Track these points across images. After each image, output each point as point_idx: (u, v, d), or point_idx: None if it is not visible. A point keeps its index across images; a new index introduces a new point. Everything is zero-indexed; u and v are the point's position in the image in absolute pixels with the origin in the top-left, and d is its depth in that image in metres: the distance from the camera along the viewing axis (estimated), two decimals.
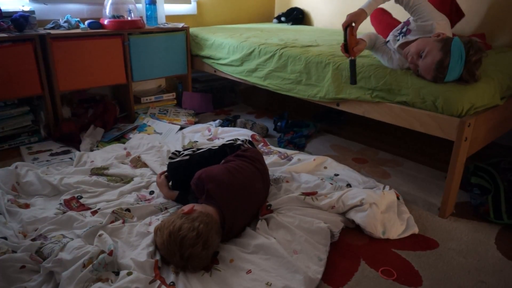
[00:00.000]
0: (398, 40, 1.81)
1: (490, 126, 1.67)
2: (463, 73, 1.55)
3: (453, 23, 2.08)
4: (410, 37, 1.75)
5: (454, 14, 2.12)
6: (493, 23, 2.37)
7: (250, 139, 2.21)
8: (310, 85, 2.08)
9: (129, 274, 1.17)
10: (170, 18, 3.02)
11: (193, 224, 1.22)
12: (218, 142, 2.13)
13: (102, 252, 1.23)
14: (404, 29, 1.81)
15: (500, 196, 1.65)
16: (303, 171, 1.88)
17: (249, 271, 1.24)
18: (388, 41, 1.88)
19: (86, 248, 1.24)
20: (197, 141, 2.22)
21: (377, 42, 1.90)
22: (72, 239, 1.34)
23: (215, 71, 2.77)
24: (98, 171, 1.84)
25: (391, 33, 1.90)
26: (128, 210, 1.51)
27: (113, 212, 1.47)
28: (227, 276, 1.24)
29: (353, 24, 1.70)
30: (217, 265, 1.28)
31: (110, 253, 1.23)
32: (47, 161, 2.03)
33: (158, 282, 1.17)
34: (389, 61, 1.84)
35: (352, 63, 1.74)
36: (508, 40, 2.33)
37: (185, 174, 1.56)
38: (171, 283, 1.19)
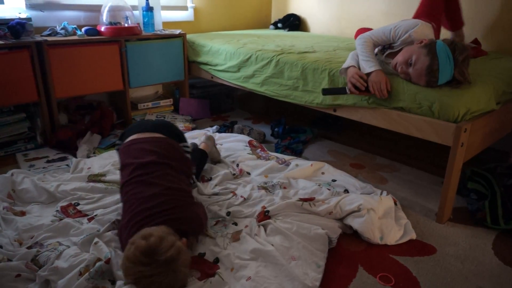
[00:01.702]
0: (384, 52, 1.84)
1: (486, 132, 1.68)
2: (455, 74, 1.57)
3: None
4: (395, 48, 1.80)
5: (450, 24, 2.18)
6: (488, 29, 2.39)
7: (247, 145, 2.22)
8: (307, 91, 2.09)
9: (126, 283, 1.16)
10: (167, 24, 3.03)
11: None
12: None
13: (99, 260, 1.22)
14: (387, 45, 1.85)
15: (496, 201, 1.65)
16: (301, 176, 1.89)
17: (248, 278, 1.23)
18: (376, 54, 1.90)
19: (82, 256, 1.23)
20: None
21: None
22: (68, 246, 1.33)
23: (212, 77, 2.77)
24: (95, 178, 1.83)
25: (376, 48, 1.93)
26: None
27: (113, 222, 1.45)
28: (227, 283, 1.23)
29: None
30: (219, 270, 1.28)
31: (107, 261, 1.22)
32: (44, 168, 2.03)
33: None
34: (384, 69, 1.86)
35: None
36: (503, 45, 2.35)
37: None
38: None
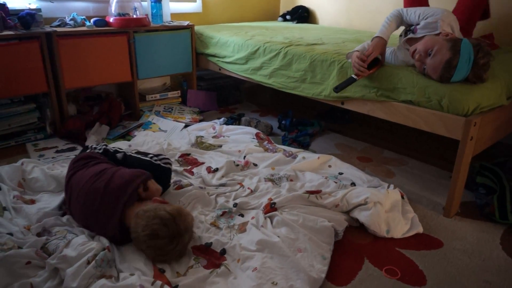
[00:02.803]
0: (404, 35, 1.81)
1: (496, 126, 1.66)
2: (470, 75, 1.54)
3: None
4: (417, 34, 1.76)
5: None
6: (501, 23, 2.34)
7: (254, 137, 2.22)
8: (315, 83, 2.08)
9: (131, 274, 1.17)
10: (175, 16, 3.03)
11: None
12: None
13: (104, 248, 1.24)
14: (412, 27, 1.81)
15: (505, 196, 1.64)
16: (308, 169, 1.88)
17: (254, 269, 1.24)
18: (401, 34, 1.89)
19: (90, 245, 1.25)
20: (203, 136, 2.23)
21: None
22: (76, 234, 1.35)
23: (220, 69, 2.77)
24: None
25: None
26: None
27: None
28: (233, 274, 1.25)
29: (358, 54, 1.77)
30: (225, 261, 1.29)
31: (108, 249, 1.25)
32: (53, 158, 2.05)
33: (160, 282, 1.16)
34: (394, 58, 1.84)
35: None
36: None
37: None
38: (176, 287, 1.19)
